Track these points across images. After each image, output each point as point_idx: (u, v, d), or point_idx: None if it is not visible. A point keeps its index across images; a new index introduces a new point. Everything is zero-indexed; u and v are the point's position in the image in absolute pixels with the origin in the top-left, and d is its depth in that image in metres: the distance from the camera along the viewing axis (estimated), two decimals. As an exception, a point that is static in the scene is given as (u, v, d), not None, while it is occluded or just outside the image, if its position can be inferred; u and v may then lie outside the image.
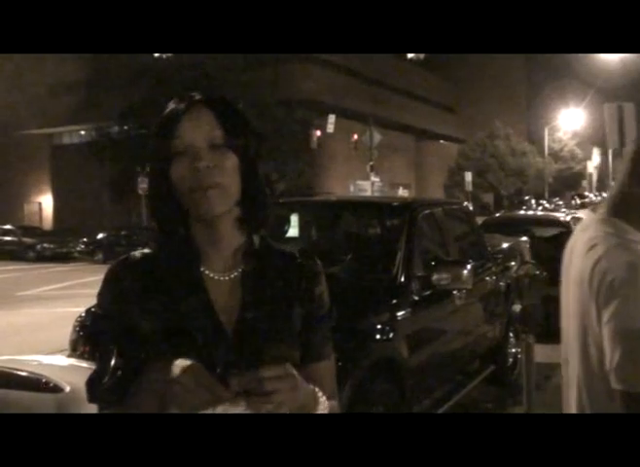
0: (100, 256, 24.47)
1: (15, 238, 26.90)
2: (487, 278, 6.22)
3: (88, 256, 25.04)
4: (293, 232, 5.79)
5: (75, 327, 4.86)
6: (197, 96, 1.23)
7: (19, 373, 3.29)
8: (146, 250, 1.31)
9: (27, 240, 26.58)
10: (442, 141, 54.02)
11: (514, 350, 6.69)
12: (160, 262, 1.25)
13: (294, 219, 5.85)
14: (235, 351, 1.19)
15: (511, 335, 6.66)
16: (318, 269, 1.31)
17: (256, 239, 1.28)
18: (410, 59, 28.54)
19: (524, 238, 8.07)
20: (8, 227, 27.69)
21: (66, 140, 38.98)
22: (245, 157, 1.22)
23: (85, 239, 25.99)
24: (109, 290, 1.25)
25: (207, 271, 1.24)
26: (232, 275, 1.25)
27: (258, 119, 22.83)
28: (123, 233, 25.32)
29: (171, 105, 1.25)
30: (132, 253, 1.31)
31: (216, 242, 1.25)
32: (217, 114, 1.21)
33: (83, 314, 4.94)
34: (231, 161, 1.20)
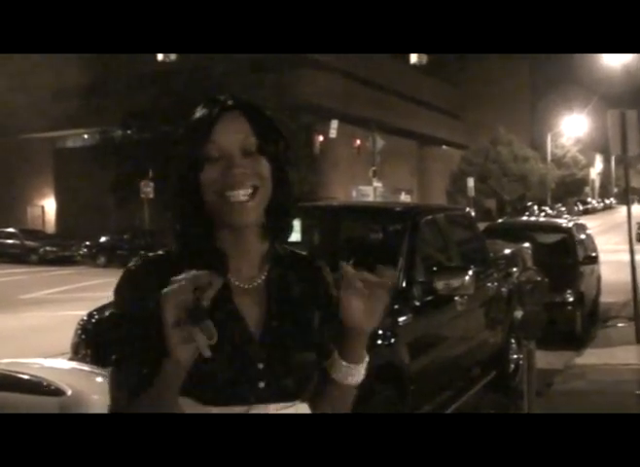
0: (103, 260, 24.50)
1: (17, 242, 26.92)
2: (489, 284, 6.22)
3: (90, 259, 25.06)
4: (295, 236, 5.79)
5: (77, 330, 4.86)
6: (230, 101, 1.21)
7: (21, 376, 3.29)
8: (161, 252, 1.28)
9: (30, 244, 26.61)
10: (444, 147, 54.01)
11: (515, 356, 6.68)
12: (184, 267, 1.14)
13: (296, 224, 5.86)
14: (264, 359, 1.18)
15: (512, 341, 6.65)
16: (327, 278, 1.32)
17: (279, 246, 1.28)
18: (414, 65, 28.55)
19: (526, 245, 8.07)
20: (11, 230, 27.72)
21: (70, 144, 39.05)
22: (277, 163, 1.21)
23: (87, 243, 26.01)
24: (130, 290, 1.21)
25: (233, 279, 1.22)
26: (256, 283, 1.24)
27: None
28: (125, 236, 25.34)
29: (202, 109, 1.22)
30: (152, 254, 1.28)
31: (242, 250, 1.23)
32: (250, 119, 1.20)
33: (85, 318, 4.94)
34: (265, 168, 1.19)
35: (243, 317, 1.20)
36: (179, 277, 1.03)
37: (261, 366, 1.18)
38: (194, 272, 1.03)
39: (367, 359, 1.23)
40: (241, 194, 1.17)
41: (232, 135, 1.18)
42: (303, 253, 1.34)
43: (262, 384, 1.18)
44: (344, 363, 1.21)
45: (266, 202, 1.21)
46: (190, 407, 1.16)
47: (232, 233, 1.22)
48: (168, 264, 1.20)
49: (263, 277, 1.24)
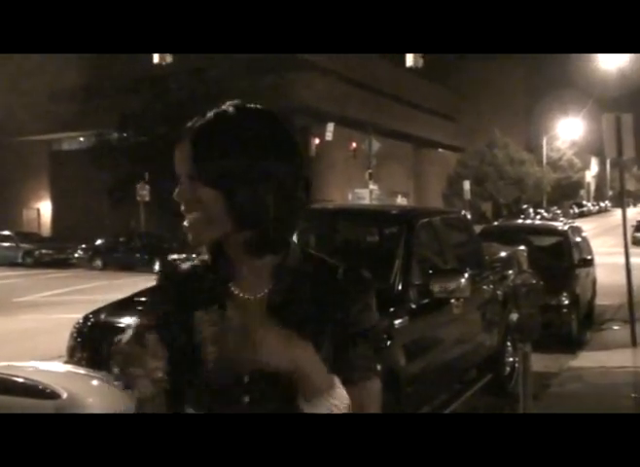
0: (99, 262, 24.45)
1: (13, 244, 26.85)
2: (485, 287, 6.23)
3: (86, 262, 25.01)
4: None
5: (72, 333, 4.85)
6: (190, 125, 1.24)
7: (17, 379, 3.28)
8: (193, 259, 1.34)
9: (25, 246, 26.55)
10: (440, 150, 54.09)
11: (511, 359, 6.69)
12: (198, 274, 1.28)
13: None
14: (249, 373, 1.16)
15: (508, 344, 6.66)
16: (360, 286, 1.25)
17: (294, 255, 1.25)
18: (410, 68, 28.61)
19: (522, 247, 8.09)
20: (6, 233, 27.65)
21: (65, 146, 39.00)
22: (225, 187, 1.18)
23: (83, 246, 25.96)
24: (160, 295, 1.30)
25: (235, 289, 1.25)
26: (259, 295, 1.24)
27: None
28: (121, 239, 25.30)
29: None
30: (181, 259, 1.36)
31: (246, 261, 1.24)
32: (194, 146, 1.20)
33: (81, 321, 4.93)
34: (205, 194, 1.19)
35: (235, 328, 1.16)
36: (131, 326, 1.15)
37: (246, 379, 1.18)
38: (140, 325, 1.16)
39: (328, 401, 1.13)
40: (187, 216, 1.22)
41: (179, 160, 1.23)
42: (333, 264, 1.28)
43: (246, 399, 1.18)
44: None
45: (223, 224, 1.20)
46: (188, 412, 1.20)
47: (237, 245, 1.23)
48: (191, 272, 1.30)
49: (266, 290, 1.24)
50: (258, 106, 1.26)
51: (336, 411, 1.11)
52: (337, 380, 1.14)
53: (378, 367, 1.24)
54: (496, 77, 60.61)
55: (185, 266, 1.32)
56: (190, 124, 1.24)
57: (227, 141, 1.19)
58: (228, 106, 1.24)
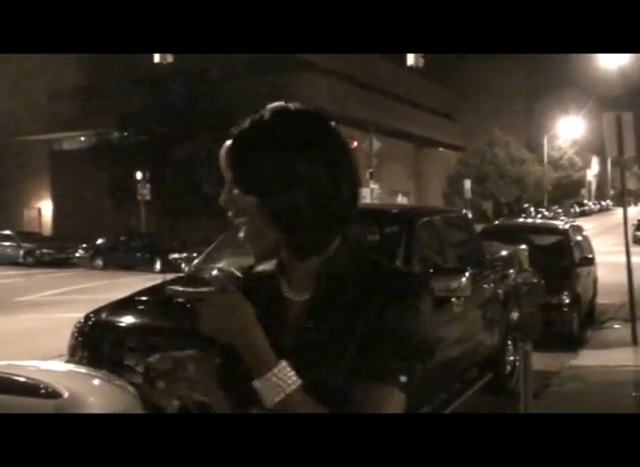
0: (99, 262, 24.47)
1: (14, 244, 26.87)
2: (486, 286, 6.22)
3: (87, 262, 25.02)
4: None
5: (73, 333, 4.85)
6: (232, 131, 1.22)
7: (18, 378, 3.29)
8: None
9: (26, 246, 26.56)
10: (441, 149, 54.08)
11: (512, 358, 6.69)
12: (258, 279, 1.31)
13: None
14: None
15: (509, 342, 6.66)
16: (402, 287, 1.20)
17: (340, 257, 1.23)
18: (410, 67, 28.61)
19: (523, 246, 8.08)
20: (7, 232, 27.67)
21: (66, 146, 39.00)
22: (261, 193, 1.18)
23: (84, 245, 25.98)
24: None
25: (285, 291, 1.26)
26: (304, 298, 1.24)
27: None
28: (121, 238, 25.31)
29: None
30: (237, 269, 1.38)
31: (292, 265, 1.25)
32: (232, 153, 1.21)
33: (82, 320, 4.93)
34: (246, 200, 1.19)
35: (281, 327, 1.21)
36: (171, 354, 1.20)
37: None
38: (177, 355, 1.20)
39: (270, 379, 1.11)
40: (234, 222, 1.23)
41: (223, 167, 1.23)
42: (381, 265, 1.25)
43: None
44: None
45: (267, 230, 1.20)
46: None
47: (285, 248, 1.24)
48: (259, 273, 1.32)
49: (310, 292, 1.23)
50: (298, 107, 1.23)
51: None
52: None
53: (402, 378, 1.14)
54: (497, 76, 60.58)
55: (247, 271, 1.35)
56: (233, 129, 1.23)
57: (261, 147, 1.18)
58: (266, 110, 1.22)
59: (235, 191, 1.21)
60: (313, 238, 1.20)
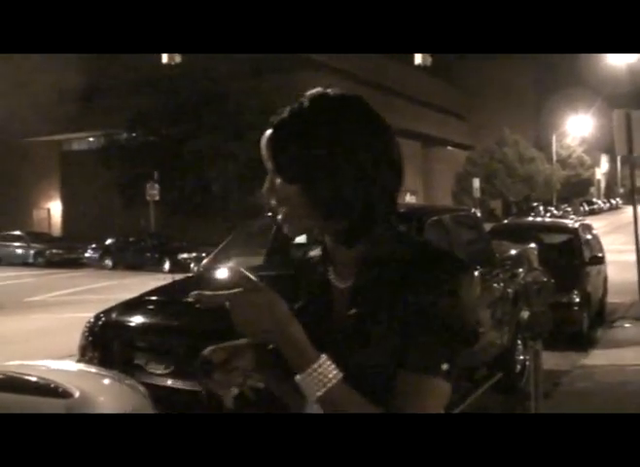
0: (108, 262, 24.56)
1: (24, 244, 27.04)
2: (495, 285, 6.21)
3: (96, 262, 25.12)
4: (302, 238, 5.80)
5: (84, 332, 4.87)
6: (275, 118, 1.22)
7: (29, 378, 3.31)
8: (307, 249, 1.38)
9: (36, 246, 26.72)
10: (449, 147, 53.96)
11: (521, 357, 6.67)
12: (308, 265, 1.34)
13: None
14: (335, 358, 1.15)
15: (518, 342, 6.64)
16: (448, 274, 1.16)
17: (385, 242, 1.21)
18: (418, 66, 28.56)
19: (532, 245, 8.05)
20: (17, 233, 27.84)
21: (75, 147, 39.16)
22: (304, 181, 1.18)
23: (93, 245, 26.09)
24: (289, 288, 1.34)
25: (332, 277, 1.27)
26: (348, 285, 1.24)
27: (265, 125, 22.90)
28: (131, 239, 25.40)
29: None
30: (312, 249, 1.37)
31: (337, 251, 1.25)
32: (273, 142, 1.21)
33: (92, 320, 4.95)
34: (288, 189, 1.19)
35: (327, 314, 1.23)
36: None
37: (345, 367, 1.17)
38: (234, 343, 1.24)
39: (311, 374, 1.10)
40: (277, 210, 1.23)
41: (265, 157, 1.23)
42: (430, 250, 1.22)
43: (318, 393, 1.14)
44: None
45: (308, 217, 1.20)
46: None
47: (329, 235, 1.25)
48: (313, 260, 1.34)
49: (354, 278, 1.23)
50: (337, 92, 1.23)
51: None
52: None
53: (444, 366, 1.12)
54: (505, 74, 60.37)
55: (301, 256, 1.37)
56: (271, 119, 1.23)
57: (302, 135, 1.17)
58: (305, 97, 1.22)
59: (278, 180, 1.20)
60: (358, 224, 1.19)
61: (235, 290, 1.11)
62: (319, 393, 1.10)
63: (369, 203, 1.18)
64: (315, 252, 1.33)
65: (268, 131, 1.22)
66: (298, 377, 1.11)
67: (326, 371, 1.10)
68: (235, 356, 1.23)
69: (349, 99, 1.23)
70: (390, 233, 1.23)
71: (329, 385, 1.10)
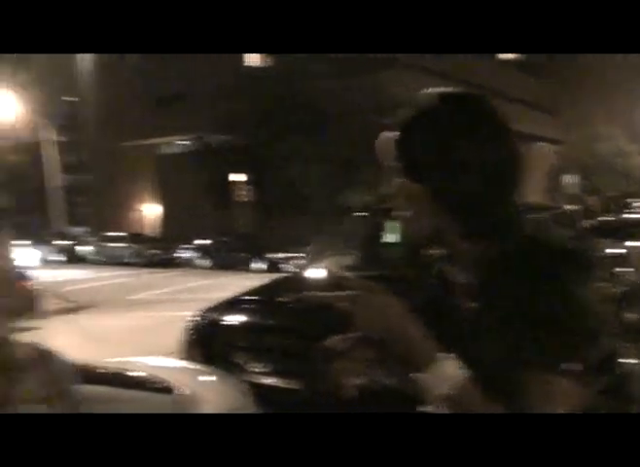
0: (204, 262, 25.30)
1: (124, 245, 28.32)
2: (597, 285, 5.97)
3: (192, 262, 25.92)
4: (393, 237, 5.76)
5: (186, 330, 5.03)
6: (393, 121, 1.24)
7: (133, 373, 3.43)
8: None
9: (135, 246, 27.92)
10: (540, 143, 52.24)
11: (626, 360, 6.38)
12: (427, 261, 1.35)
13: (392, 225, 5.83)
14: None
15: (623, 344, 6.36)
16: (572, 271, 1.15)
17: (509, 240, 1.20)
18: (507, 61, 27.80)
19: (636, 243, 7.69)
20: (119, 234, 29.22)
21: (169, 150, 40.48)
22: (428, 181, 1.18)
23: (188, 245, 26.93)
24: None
25: (452, 276, 1.28)
26: (471, 282, 1.24)
27: (352, 125, 22.96)
28: (224, 239, 26.10)
29: None
30: None
31: (459, 249, 1.24)
32: (395, 143, 1.22)
33: (194, 318, 5.11)
34: (413, 189, 1.20)
35: (449, 314, 1.24)
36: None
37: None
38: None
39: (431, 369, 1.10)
40: (401, 210, 1.25)
41: (387, 158, 1.26)
42: (556, 248, 1.20)
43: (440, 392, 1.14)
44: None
45: (432, 217, 1.20)
46: None
47: (452, 233, 1.24)
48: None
49: (478, 277, 1.23)
50: (458, 91, 1.25)
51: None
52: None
53: (574, 366, 1.10)
54: (602, 64, 57.92)
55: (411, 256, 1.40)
56: (394, 119, 1.25)
57: (427, 134, 1.19)
58: (427, 97, 1.23)
59: (403, 181, 1.21)
60: (484, 222, 1.19)
61: (352, 292, 1.13)
62: (441, 392, 1.09)
63: (494, 200, 1.18)
64: (432, 251, 1.32)
65: (387, 133, 1.23)
66: (419, 377, 1.11)
67: (448, 369, 1.10)
68: (359, 347, 1.23)
69: (472, 98, 1.24)
70: (514, 228, 1.22)
71: (451, 384, 1.09)
